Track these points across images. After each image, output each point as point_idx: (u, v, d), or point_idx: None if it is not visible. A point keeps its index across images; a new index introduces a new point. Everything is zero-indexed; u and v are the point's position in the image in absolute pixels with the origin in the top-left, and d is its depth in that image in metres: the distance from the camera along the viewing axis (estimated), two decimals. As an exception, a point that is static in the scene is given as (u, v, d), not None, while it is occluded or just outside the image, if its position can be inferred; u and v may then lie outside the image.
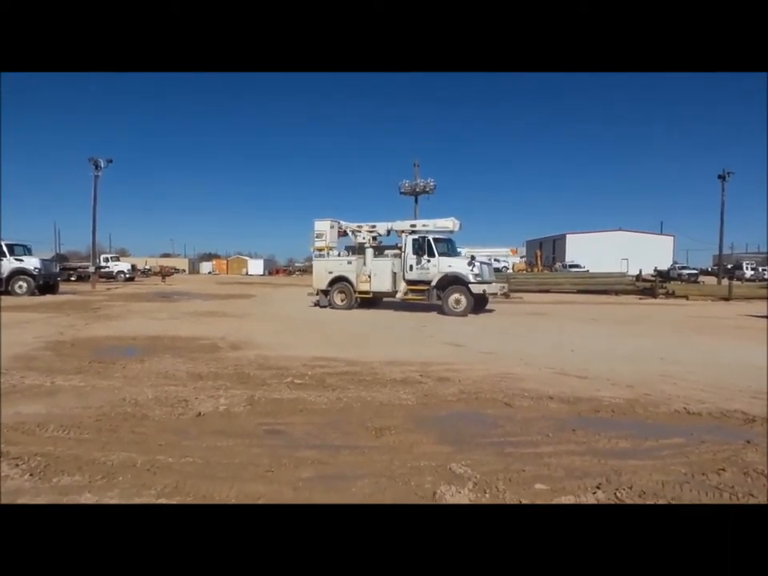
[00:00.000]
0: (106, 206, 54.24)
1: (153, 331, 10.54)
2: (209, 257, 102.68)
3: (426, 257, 15.63)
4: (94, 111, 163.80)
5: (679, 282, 36.83)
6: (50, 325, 11.46)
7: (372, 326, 12.40)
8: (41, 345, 8.50)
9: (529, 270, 46.89)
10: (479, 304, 15.66)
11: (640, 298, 25.87)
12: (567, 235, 65.78)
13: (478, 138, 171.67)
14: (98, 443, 3.86)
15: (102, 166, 30.55)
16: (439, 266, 15.41)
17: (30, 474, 3.25)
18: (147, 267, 60.58)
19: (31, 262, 22.17)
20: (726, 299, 24.30)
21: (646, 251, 57.66)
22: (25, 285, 21.53)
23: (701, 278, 43.87)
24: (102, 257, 43.89)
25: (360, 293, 16.62)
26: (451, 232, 16.54)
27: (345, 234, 17.94)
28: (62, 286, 25.97)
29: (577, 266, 48.21)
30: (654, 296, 26.11)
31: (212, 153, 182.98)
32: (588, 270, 41.73)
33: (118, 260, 47.69)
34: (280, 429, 4.33)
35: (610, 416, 4.86)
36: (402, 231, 16.75)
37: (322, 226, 17.53)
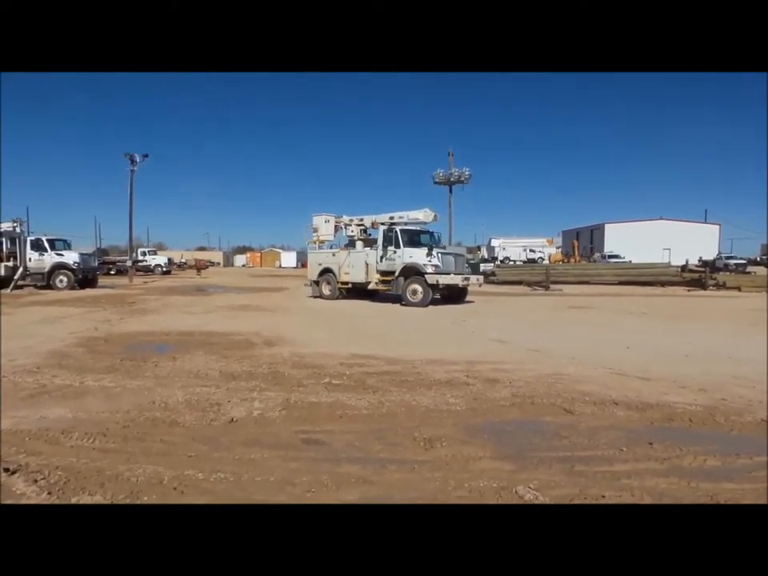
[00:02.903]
0: (144, 201, 55.24)
1: (186, 326, 10.36)
2: (243, 250, 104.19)
3: (392, 248, 15.92)
4: (131, 106, 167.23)
5: (727, 273, 35.09)
6: (86, 320, 11.43)
7: (411, 322, 11.96)
8: (74, 341, 8.37)
9: (566, 260, 45.54)
10: (454, 295, 15.96)
11: (688, 290, 24.63)
12: (606, 225, 63.66)
13: (514, 126, 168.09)
14: (123, 454, 3.55)
15: (138, 160, 30.85)
16: (403, 257, 15.64)
17: (49, 493, 2.93)
18: (183, 261, 61.50)
19: (71, 257, 22.57)
20: (782, 290, 22.86)
21: (689, 241, 55.27)
22: (65, 279, 21.94)
23: (749, 268, 41.75)
24: (140, 251, 44.72)
25: (341, 283, 17.42)
26: (424, 223, 16.78)
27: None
28: (101, 280, 26.46)
29: (616, 256, 46.60)
30: (704, 287, 24.81)
31: (246, 147, 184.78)
32: (630, 261, 40.14)
33: (155, 254, 48.54)
34: (319, 438, 3.94)
35: (687, 426, 4.30)
36: (382, 223, 16.97)
37: (318, 220, 18.69)
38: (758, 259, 55.39)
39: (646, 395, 5.17)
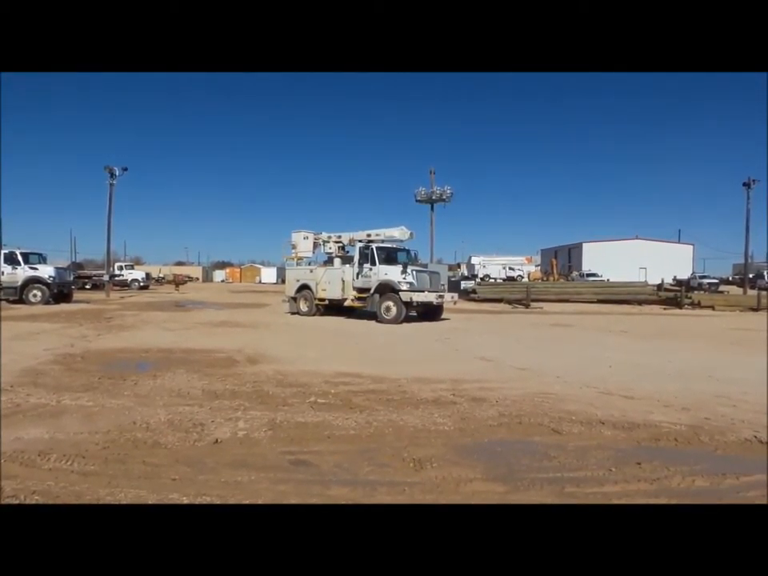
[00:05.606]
0: (121, 214, 54.40)
1: (166, 343, 10.16)
2: (222, 265, 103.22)
3: (368, 265, 16.06)
4: (109, 118, 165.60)
5: (700, 292, 35.92)
6: (62, 335, 11.14)
7: (393, 338, 11.92)
8: (50, 358, 8.13)
9: (544, 278, 46.10)
10: (429, 313, 16.03)
11: (664, 309, 25.10)
12: (583, 244, 64.80)
13: (493, 143, 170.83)
14: (104, 477, 3.42)
15: (117, 174, 30.51)
16: (378, 274, 15.78)
17: (24, 519, 2.81)
18: (161, 275, 60.64)
19: (46, 271, 22.06)
20: (755, 309, 23.46)
21: (664, 260, 56.60)
22: (39, 293, 21.39)
23: (721, 288, 42.81)
24: (117, 265, 43.92)
25: (319, 300, 17.48)
26: (401, 241, 17.08)
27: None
28: (77, 295, 25.90)
29: (594, 274, 47.34)
30: (680, 306, 25.32)
31: (226, 161, 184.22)
32: (608, 280, 40.81)
33: (133, 268, 47.82)
34: (306, 459, 3.86)
35: (674, 445, 4.33)
36: (359, 241, 17.22)
37: (297, 237, 18.90)
38: (730, 278, 56.87)
39: (631, 414, 5.20)
